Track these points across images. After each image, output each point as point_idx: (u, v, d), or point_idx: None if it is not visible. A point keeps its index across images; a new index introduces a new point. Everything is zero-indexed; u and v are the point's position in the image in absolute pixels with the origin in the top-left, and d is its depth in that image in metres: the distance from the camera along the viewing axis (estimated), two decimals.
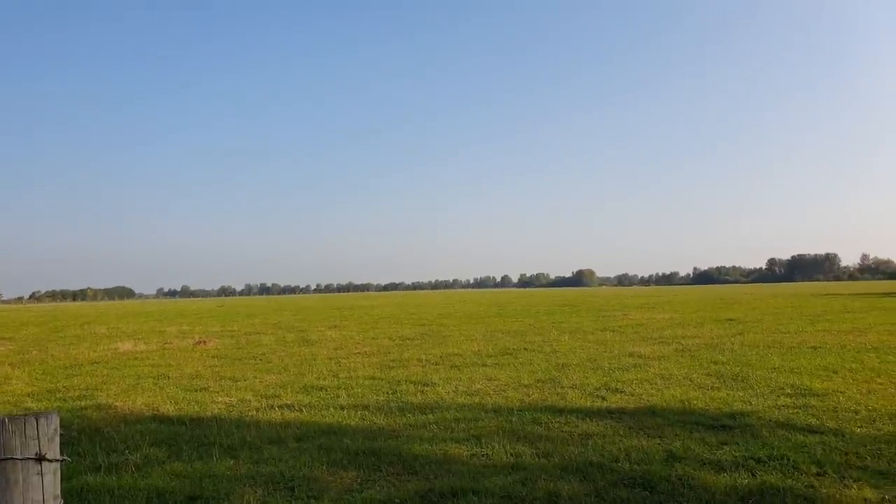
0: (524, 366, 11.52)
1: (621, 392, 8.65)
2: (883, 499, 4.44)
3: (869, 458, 5.34)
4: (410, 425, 6.97)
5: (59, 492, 1.90)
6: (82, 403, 8.92)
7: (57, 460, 1.90)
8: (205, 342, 18.33)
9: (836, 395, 8.06)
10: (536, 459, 5.54)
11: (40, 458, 1.83)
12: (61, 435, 1.95)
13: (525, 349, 14.26)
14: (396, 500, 4.61)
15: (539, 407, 7.76)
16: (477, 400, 8.36)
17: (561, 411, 7.46)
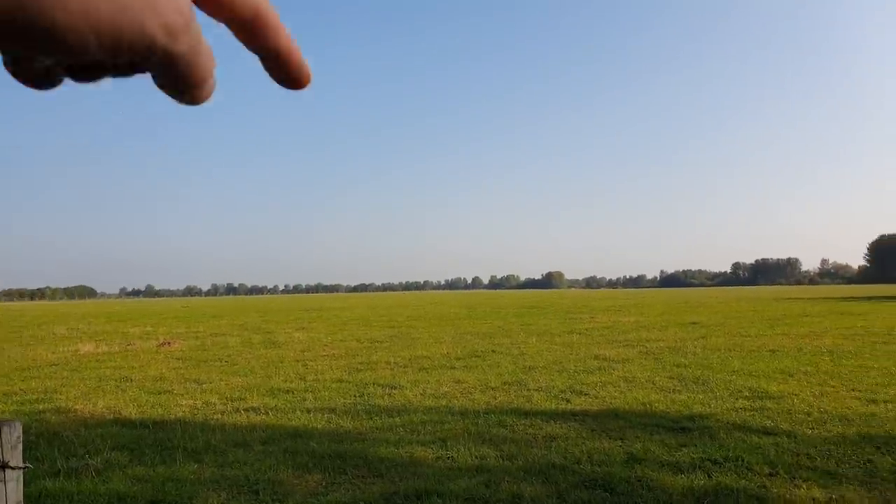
0: (491, 368, 11.62)
1: (585, 394, 8.79)
2: (830, 498, 4.61)
3: (819, 459, 5.53)
4: (377, 428, 7.00)
5: (21, 498, 1.92)
6: (41, 407, 8.76)
7: (19, 468, 1.91)
8: (169, 343, 18.09)
9: (790, 397, 8.30)
10: (500, 462, 5.62)
11: (3, 466, 1.85)
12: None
13: (493, 351, 14.37)
14: (361, 503, 4.66)
15: (505, 409, 7.85)
16: (444, 403, 8.43)
17: (526, 414, 7.56)
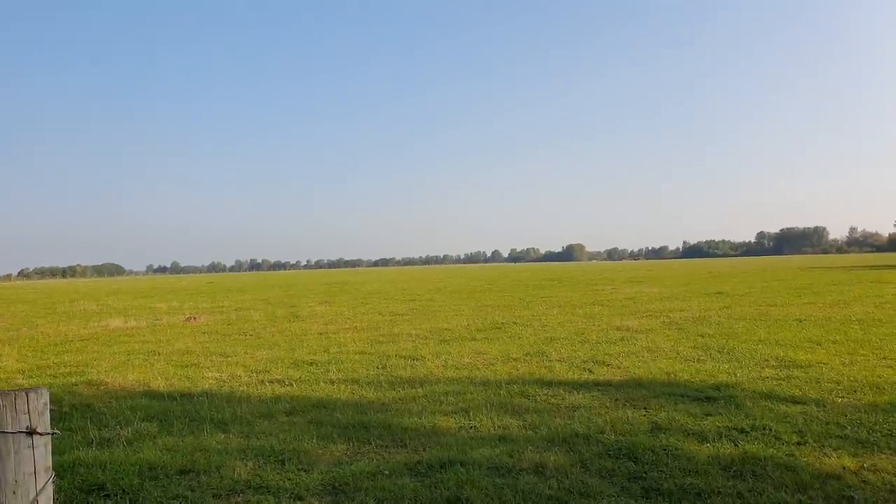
0: (513, 339, 11.62)
1: (608, 365, 8.75)
2: (861, 467, 4.55)
3: (849, 428, 5.45)
4: (400, 399, 7.04)
5: (49, 464, 1.94)
6: (73, 380, 8.95)
7: (47, 434, 1.93)
8: (195, 318, 18.35)
9: (819, 366, 8.19)
10: (523, 431, 5.62)
11: (31, 432, 1.86)
12: (53, 410, 1.99)
13: (514, 323, 14.37)
14: (385, 472, 4.69)
15: (527, 380, 7.85)
16: (465, 373, 8.45)
17: (548, 384, 7.56)
